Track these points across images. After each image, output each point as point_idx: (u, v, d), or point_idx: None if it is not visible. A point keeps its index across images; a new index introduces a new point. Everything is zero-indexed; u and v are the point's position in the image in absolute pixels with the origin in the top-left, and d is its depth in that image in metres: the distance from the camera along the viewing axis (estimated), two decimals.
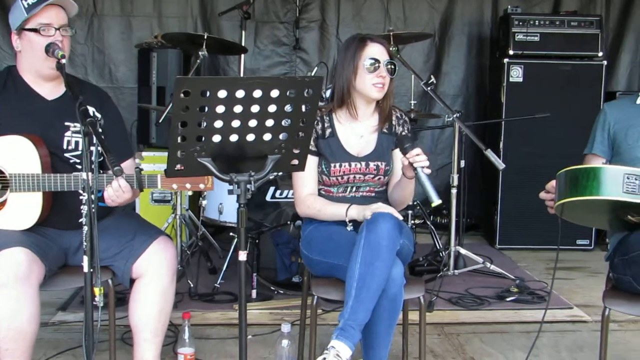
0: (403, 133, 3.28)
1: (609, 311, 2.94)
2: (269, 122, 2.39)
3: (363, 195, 3.25)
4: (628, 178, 2.54)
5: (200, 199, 5.15)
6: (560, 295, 4.76)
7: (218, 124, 2.33)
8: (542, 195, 2.96)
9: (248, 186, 2.45)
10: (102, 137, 2.43)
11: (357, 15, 6.70)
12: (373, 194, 3.26)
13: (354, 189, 3.24)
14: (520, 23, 5.83)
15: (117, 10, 6.56)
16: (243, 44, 5.62)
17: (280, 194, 4.52)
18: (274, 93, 2.33)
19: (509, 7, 5.97)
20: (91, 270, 2.45)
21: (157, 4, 6.57)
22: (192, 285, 4.56)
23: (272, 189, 4.51)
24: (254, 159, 2.47)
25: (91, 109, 3.13)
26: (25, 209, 2.93)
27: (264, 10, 6.62)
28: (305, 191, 3.21)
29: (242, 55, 5.81)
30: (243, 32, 5.75)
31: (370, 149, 3.24)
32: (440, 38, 6.81)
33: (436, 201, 2.86)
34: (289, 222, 4.47)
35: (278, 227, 4.52)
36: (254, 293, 4.39)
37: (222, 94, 2.27)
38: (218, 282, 4.60)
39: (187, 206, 5.41)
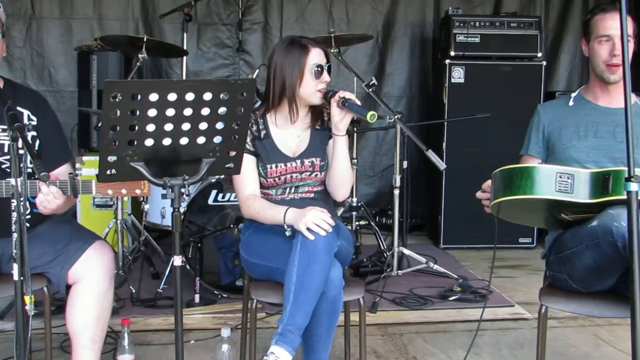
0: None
1: (546, 308, 2.97)
2: (203, 125, 2.37)
3: (302, 197, 3.23)
4: (560, 177, 2.58)
5: (143, 203, 5.10)
6: (502, 293, 4.82)
7: (150, 127, 2.30)
8: (479, 194, 2.99)
9: (182, 190, 2.42)
10: (30, 142, 2.38)
11: (301, 17, 6.71)
12: (312, 195, 3.24)
13: (292, 189, 3.22)
14: (461, 24, 5.89)
15: (56, 12, 6.47)
16: (185, 47, 5.58)
17: (223, 197, 4.48)
18: (207, 96, 2.31)
19: (450, 8, 6.03)
20: (22, 278, 2.39)
21: (97, 6, 6.50)
22: (134, 291, 4.50)
23: (214, 192, 4.47)
24: (189, 162, 2.45)
25: (26, 112, 3.09)
26: None
27: (206, 12, 6.59)
28: (246, 191, 3.17)
29: (185, 58, 5.76)
30: (185, 35, 5.70)
31: (304, 147, 3.22)
32: (384, 40, 6.86)
33: (370, 113, 2.93)
34: (232, 226, 4.45)
35: (221, 231, 4.49)
36: (196, 297, 4.35)
37: (153, 97, 2.24)
38: (161, 287, 4.54)
39: (129, 211, 5.35)
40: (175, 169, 2.44)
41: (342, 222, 3.20)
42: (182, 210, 4.45)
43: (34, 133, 3.08)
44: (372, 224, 5.42)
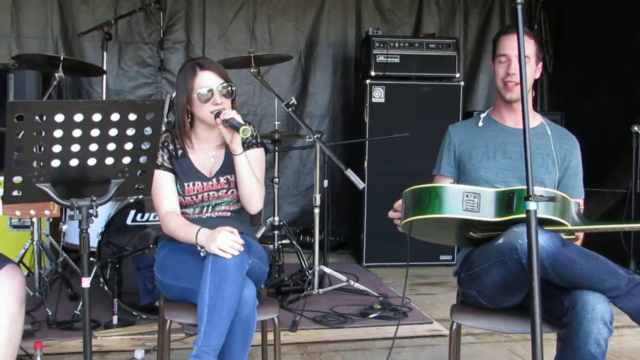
0: (247, 140, 3.25)
1: (457, 325, 3.03)
2: (111, 146, 2.36)
3: (219, 216, 3.24)
4: (467, 196, 2.65)
5: (61, 223, 5.01)
6: (422, 310, 4.87)
7: (56, 148, 2.28)
8: (390, 214, 3.03)
9: (90, 211, 2.40)
10: None
11: (223, 37, 6.73)
12: (229, 214, 3.25)
13: (210, 208, 3.24)
14: (381, 45, 5.98)
15: None
16: (105, 65, 5.54)
17: (142, 217, 4.44)
18: (114, 117, 2.30)
19: (370, 29, 6.13)
20: None
21: (15, 24, 6.41)
22: (50, 313, 4.40)
23: (132, 212, 4.43)
24: (97, 183, 2.43)
25: None
26: None
27: (127, 31, 6.56)
28: (165, 208, 3.17)
29: (105, 77, 5.71)
30: (105, 53, 5.66)
31: (219, 165, 3.25)
32: (306, 59, 6.94)
33: (242, 128, 2.99)
34: (151, 246, 4.40)
35: (139, 251, 4.44)
36: (115, 319, 4.29)
37: (59, 117, 2.22)
38: (78, 309, 4.46)
39: (47, 231, 5.26)
40: (83, 190, 2.41)
41: (255, 240, 3.21)
42: (100, 230, 4.40)
43: None
44: (294, 242, 5.43)
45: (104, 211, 4.70)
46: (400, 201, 2.88)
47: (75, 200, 2.37)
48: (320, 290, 5.02)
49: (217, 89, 3.15)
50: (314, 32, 6.94)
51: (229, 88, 3.19)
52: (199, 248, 2.95)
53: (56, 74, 4.75)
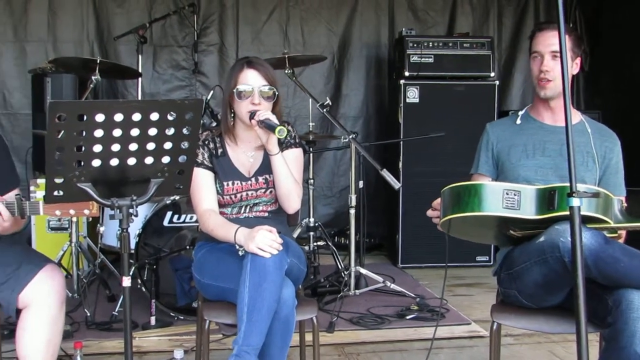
0: (285, 140, 3.28)
1: (498, 325, 3.00)
2: (150, 146, 2.37)
3: (256, 216, 3.25)
4: (507, 194, 2.62)
5: (99, 225, 5.05)
6: (460, 311, 4.84)
7: (97, 148, 2.30)
8: (429, 212, 3.01)
9: (130, 211, 2.41)
10: None
11: (256, 39, 6.74)
12: (266, 214, 3.26)
13: (248, 208, 3.25)
14: (415, 45, 5.95)
15: (10, 35, 6.43)
16: (140, 68, 5.57)
17: (179, 218, 4.46)
18: (154, 116, 2.32)
19: (404, 29, 6.09)
20: None
21: (52, 29, 6.47)
22: (88, 314, 4.44)
23: (169, 213, 4.45)
24: (137, 183, 2.44)
25: None
26: None
27: (162, 34, 6.59)
28: (203, 206, 3.19)
29: (141, 79, 5.75)
30: (140, 57, 5.70)
31: (258, 165, 3.27)
32: (340, 60, 6.92)
33: (278, 129, 3.00)
34: (188, 247, 4.42)
35: (176, 253, 4.46)
36: (152, 320, 4.32)
37: (99, 117, 2.24)
38: (116, 310, 4.49)
39: (85, 233, 5.31)
40: (123, 190, 2.43)
41: (293, 240, 3.20)
42: (137, 232, 4.43)
43: None
44: (329, 244, 5.42)
45: (141, 213, 4.73)
46: (438, 200, 2.86)
47: (115, 200, 2.39)
48: (356, 291, 5.00)
49: (258, 89, 3.16)
50: (347, 33, 6.92)
51: (271, 91, 3.19)
52: (237, 247, 2.96)
53: (93, 77, 4.79)
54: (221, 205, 3.23)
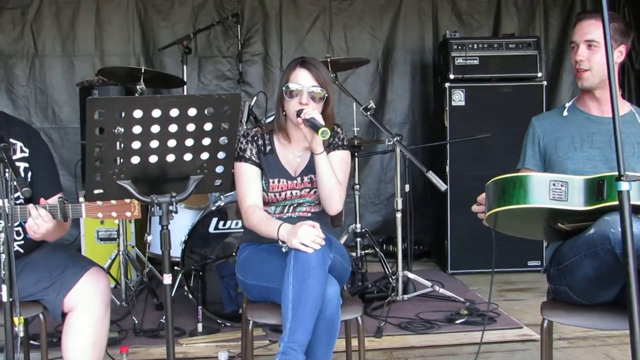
0: (333, 142, 3.28)
1: (549, 323, 2.92)
2: (189, 142, 2.37)
3: (299, 216, 3.23)
4: (554, 185, 2.55)
5: (146, 234, 5.08)
6: (511, 315, 4.74)
7: (136, 145, 2.30)
8: (474, 207, 2.96)
9: (170, 207, 2.41)
10: (13, 159, 2.37)
11: (300, 47, 6.74)
12: (309, 215, 3.24)
13: (291, 208, 3.24)
14: (459, 47, 5.88)
15: (59, 50, 6.55)
16: (185, 79, 5.60)
17: (224, 225, 4.46)
18: (192, 111, 2.31)
19: (448, 32, 6.03)
20: (11, 299, 2.36)
21: (99, 43, 6.57)
22: (136, 322, 4.46)
23: (215, 220, 4.45)
24: (176, 180, 2.44)
25: (19, 144, 3.09)
26: None
27: (206, 45, 6.64)
28: (248, 202, 3.19)
29: (186, 90, 5.79)
30: (185, 67, 5.74)
31: (304, 165, 3.26)
32: (384, 66, 6.87)
33: (321, 130, 2.97)
34: (234, 254, 4.40)
35: (222, 259, 4.45)
36: (199, 326, 4.31)
37: (137, 113, 2.24)
38: (164, 318, 4.48)
39: (133, 243, 5.35)
40: (162, 187, 2.43)
41: (335, 238, 3.16)
42: (183, 239, 4.44)
43: (26, 164, 3.09)
44: (377, 249, 5.37)
45: (187, 221, 4.76)
46: (483, 194, 2.81)
47: (155, 197, 2.39)
48: (404, 296, 4.93)
49: (307, 89, 3.15)
50: (391, 39, 6.87)
51: (321, 92, 3.18)
52: (280, 243, 2.94)
53: (138, 86, 4.84)
54: (265, 203, 3.23)
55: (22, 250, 3.07)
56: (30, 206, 2.76)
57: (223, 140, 2.41)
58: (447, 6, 6.89)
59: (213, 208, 4.43)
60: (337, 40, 6.78)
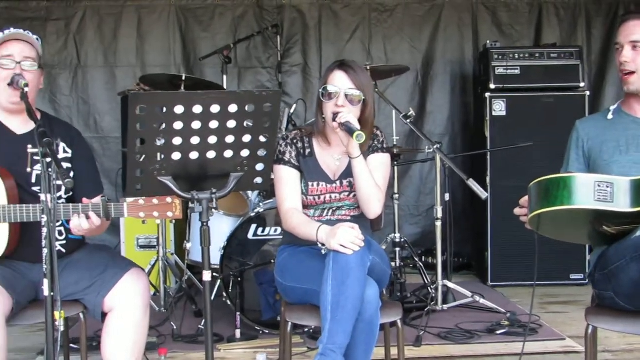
0: (372, 145, 3.28)
1: (593, 329, 2.85)
2: (229, 139, 2.37)
3: (339, 219, 3.21)
4: (599, 186, 2.50)
5: (185, 242, 5.10)
6: (554, 327, 4.66)
7: (177, 141, 2.31)
8: (517, 210, 2.91)
9: (210, 204, 2.41)
10: (56, 154, 2.39)
11: (339, 58, 6.60)
12: (348, 218, 3.21)
13: (330, 211, 3.23)
14: (500, 57, 5.83)
15: (101, 61, 6.65)
16: (225, 89, 5.63)
17: (263, 231, 4.45)
18: (232, 108, 2.31)
19: (488, 42, 5.99)
20: (52, 294, 2.38)
21: (140, 54, 6.66)
22: (175, 327, 4.47)
23: (254, 226, 4.44)
24: (216, 177, 2.45)
25: (62, 145, 3.12)
26: None
27: (246, 56, 6.67)
28: (286, 205, 3.19)
29: None
30: (225, 77, 5.78)
31: (343, 168, 3.24)
32: (424, 77, 6.84)
33: (356, 133, 2.94)
34: (272, 261, 4.40)
35: (261, 266, 4.45)
36: (237, 333, 4.30)
37: (179, 109, 2.25)
38: (202, 324, 4.50)
39: (172, 250, 5.38)
40: (203, 185, 2.43)
41: (375, 241, 3.13)
42: (222, 245, 4.44)
43: (69, 165, 3.13)
44: (416, 259, 5.33)
45: (226, 228, 4.75)
46: (526, 197, 2.76)
47: (195, 193, 2.39)
48: (444, 306, 4.88)
49: (344, 91, 3.13)
50: (431, 50, 6.84)
51: (358, 95, 3.16)
52: (319, 245, 2.93)
53: None
54: (304, 206, 3.22)
55: (64, 250, 3.10)
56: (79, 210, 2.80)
57: (263, 137, 2.41)
58: (487, 17, 6.85)
59: (252, 214, 4.43)
60: (376, 51, 6.76)
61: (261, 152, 2.46)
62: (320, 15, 6.80)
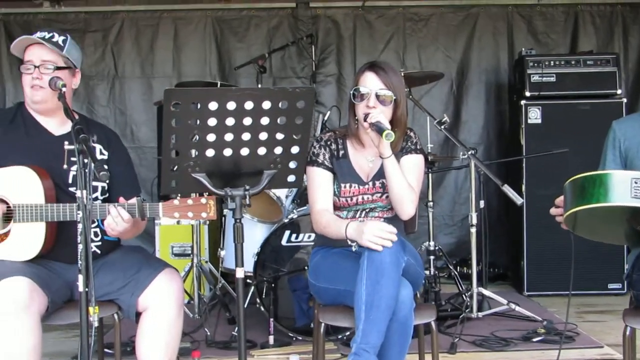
0: (406, 146, 3.28)
1: (631, 330, 2.81)
2: (263, 136, 2.38)
3: (372, 220, 3.20)
4: (636, 182, 2.47)
5: (219, 249, 5.13)
6: (591, 336, 4.59)
7: (211, 137, 2.32)
8: (552, 210, 2.89)
9: (243, 201, 2.42)
10: (93, 150, 2.42)
11: None
12: (382, 220, 3.21)
13: (363, 213, 3.22)
14: (536, 64, 5.79)
15: (138, 72, 6.74)
16: None
17: (297, 237, 4.45)
18: (266, 105, 2.33)
19: (523, 49, 5.95)
20: (86, 289, 2.40)
21: (177, 65, 6.72)
22: (209, 334, 4.48)
23: (287, 232, 4.44)
24: (250, 175, 2.46)
25: (98, 147, 3.17)
26: (28, 240, 2.92)
27: (281, 65, 6.71)
28: (317, 206, 3.20)
29: None
30: (259, 87, 5.80)
31: (377, 169, 3.24)
32: (458, 87, 6.81)
33: (385, 132, 2.95)
34: (306, 268, 4.39)
35: (294, 272, 4.44)
36: (271, 339, 4.30)
37: (213, 105, 2.26)
38: (236, 330, 4.50)
39: (207, 258, 5.40)
40: (236, 182, 2.44)
41: (409, 242, 3.12)
42: (255, 251, 4.45)
43: (105, 166, 3.15)
44: (450, 266, 5.29)
45: (260, 235, 4.77)
46: (562, 197, 2.73)
47: (229, 190, 2.40)
48: (479, 313, 4.83)
49: (374, 92, 3.14)
50: (465, 59, 6.82)
51: (388, 95, 3.16)
52: (349, 242, 2.92)
53: None
54: (337, 207, 3.22)
55: (99, 251, 3.13)
56: (110, 206, 2.83)
57: (296, 135, 2.42)
58: (522, 25, 6.81)
59: (286, 220, 4.43)
60: (410, 60, 6.75)
61: (294, 150, 2.46)
62: (354, 26, 6.81)
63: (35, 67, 3.06)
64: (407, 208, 3.15)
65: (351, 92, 3.20)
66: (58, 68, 3.09)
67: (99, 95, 6.70)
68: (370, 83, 3.16)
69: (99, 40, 6.69)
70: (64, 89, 2.91)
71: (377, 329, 2.72)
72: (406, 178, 3.13)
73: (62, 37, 3.15)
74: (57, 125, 3.15)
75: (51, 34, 3.13)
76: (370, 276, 2.74)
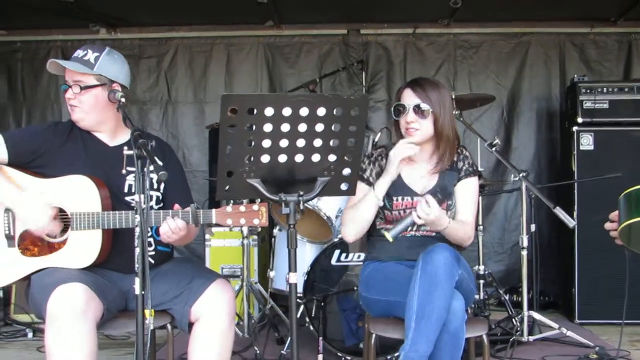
0: (464, 167, 3.30)
1: None
2: (317, 142, 2.41)
3: (423, 235, 3.24)
4: None
5: (269, 270, 5.15)
6: None
7: (266, 143, 2.36)
8: (607, 225, 2.87)
9: (297, 207, 2.45)
10: (152, 154, 2.48)
11: None
12: (434, 233, 3.22)
13: (415, 226, 3.22)
14: (588, 91, 5.74)
15: (191, 97, 6.85)
16: None
17: (346, 257, 4.47)
18: (321, 111, 2.36)
19: (576, 76, 5.91)
20: (142, 292, 2.44)
21: (229, 90, 6.80)
22: (258, 352, 4.50)
23: (337, 252, 4.46)
24: (303, 181, 2.49)
25: None
26: (84, 248, 2.99)
27: (331, 91, 6.73)
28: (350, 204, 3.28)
29: None
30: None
31: (432, 185, 3.26)
32: (509, 113, 6.79)
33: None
34: (355, 288, 4.40)
35: (344, 292, 4.45)
36: (320, 358, 4.29)
37: (269, 111, 2.31)
38: (285, 350, 4.53)
39: (256, 279, 5.42)
40: (290, 189, 2.47)
41: (463, 257, 3.13)
42: (306, 270, 4.46)
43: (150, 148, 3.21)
44: (500, 291, 5.24)
45: (310, 256, 4.78)
46: (616, 212, 2.71)
47: (283, 195, 2.43)
48: (529, 337, 4.77)
49: (411, 106, 3.18)
50: (516, 87, 6.79)
51: (424, 109, 3.19)
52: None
53: None
54: (389, 221, 3.22)
55: (152, 262, 3.17)
56: (168, 218, 2.90)
57: (350, 142, 2.45)
58: (575, 54, 6.77)
59: (336, 240, 4.46)
60: (461, 87, 6.73)
61: (348, 157, 2.49)
62: (405, 52, 6.85)
63: (69, 86, 3.15)
64: (464, 244, 3.26)
65: (392, 109, 3.27)
66: (85, 87, 3.13)
67: (152, 119, 6.84)
68: (407, 99, 3.23)
69: (153, 66, 6.84)
70: (122, 100, 2.98)
71: (426, 339, 2.73)
72: (464, 204, 3.22)
73: (96, 54, 3.17)
74: (110, 137, 3.24)
75: (85, 52, 3.17)
76: (423, 286, 2.75)
